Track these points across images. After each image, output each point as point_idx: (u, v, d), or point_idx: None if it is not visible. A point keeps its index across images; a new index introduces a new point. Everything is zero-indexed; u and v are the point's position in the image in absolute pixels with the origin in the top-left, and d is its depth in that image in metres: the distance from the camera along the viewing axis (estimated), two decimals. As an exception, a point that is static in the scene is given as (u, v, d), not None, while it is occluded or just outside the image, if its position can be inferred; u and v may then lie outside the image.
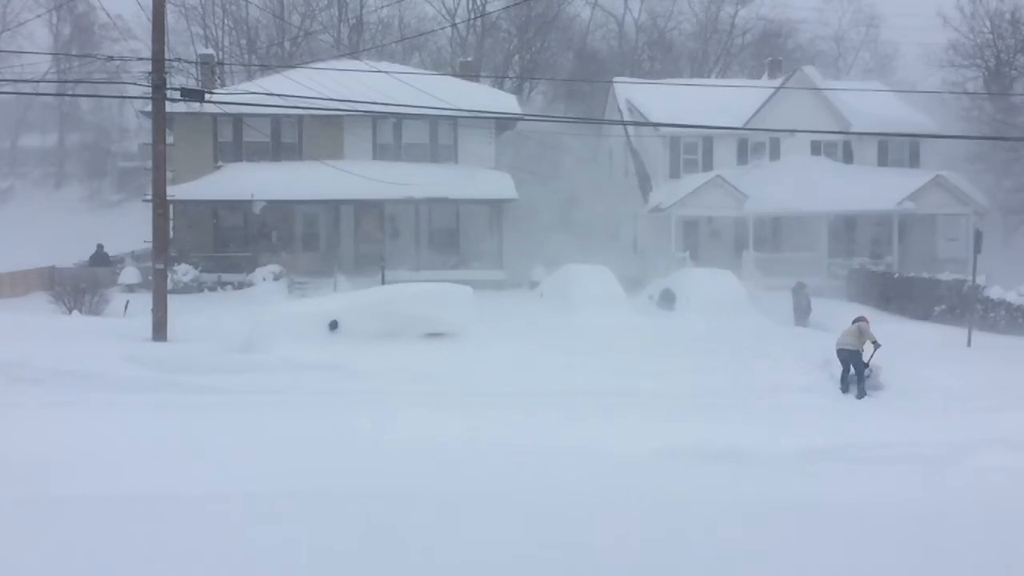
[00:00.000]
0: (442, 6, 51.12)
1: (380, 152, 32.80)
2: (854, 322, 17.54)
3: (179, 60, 24.53)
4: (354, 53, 42.17)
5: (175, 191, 27.11)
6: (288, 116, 30.74)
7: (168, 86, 18.84)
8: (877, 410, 15.04)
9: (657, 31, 56.30)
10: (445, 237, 33.07)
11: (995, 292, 25.62)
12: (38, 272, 29.83)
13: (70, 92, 44.39)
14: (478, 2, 50.65)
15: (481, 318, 19.36)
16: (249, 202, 30.07)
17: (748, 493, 8.81)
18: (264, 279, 28.43)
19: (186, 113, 29.41)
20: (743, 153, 36.43)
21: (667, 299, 25.92)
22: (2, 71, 42.60)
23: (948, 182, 33.48)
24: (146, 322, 18.65)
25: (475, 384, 15.61)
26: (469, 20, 48.81)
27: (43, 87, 40.31)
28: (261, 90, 25.26)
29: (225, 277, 29.51)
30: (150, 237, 19.86)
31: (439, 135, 33.00)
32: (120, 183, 51.17)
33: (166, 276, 19.11)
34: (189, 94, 19.51)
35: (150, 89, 18.63)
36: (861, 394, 16.45)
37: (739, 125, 32.94)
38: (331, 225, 31.93)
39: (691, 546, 6.78)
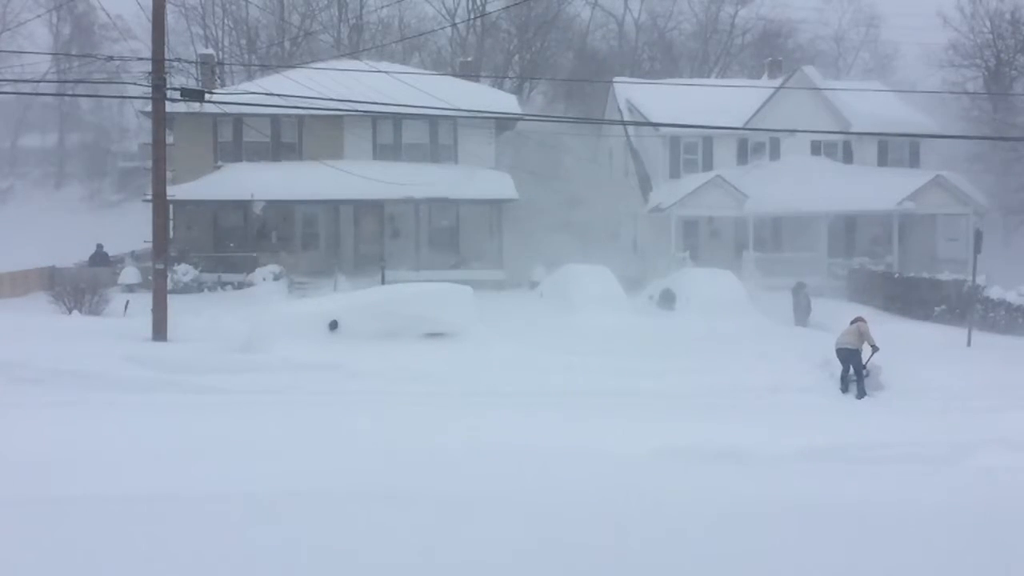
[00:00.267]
0: (442, 6, 51.18)
1: (380, 152, 32.81)
2: (852, 322, 17.54)
3: (179, 60, 24.56)
4: (354, 53, 42.16)
5: (175, 191, 27.11)
6: (288, 116, 30.74)
7: (168, 86, 18.86)
8: (877, 410, 15.04)
9: (657, 31, 56.31)
10: (445, 237, 33.08)
11: (995, 292, 25.64)
12: (38, 272, 29.83)
13: (70, 92, 44.40)
14: (478, 2, 50.67)
15: (481, 318, 19.36)
16: (249, 202, 30.08)
17: (748, 493, 8.80)
18: (264, 279, 28.43)
19: (186, 113, 29.42)
20: (743, 153, 36.44)
21: (667, 299, 25.92)
22: (2, 71, 42.60)
23: (948, 182, 33.48)
24: (146, 322, 18.66)
25: (475, 384, 15.61)
26: (469, 20, 48.82)
27: (43, 87, 40.31)
28: (261, 90, 25.27)
29: (225, 277, 29.50)
30: (150, 237, 19.87)
31: (439, 135, 33.00)
32: (120, 183, 51.20)
33: (166, 276, 19.12)
34: (189, 94, 19.52)
35: (150, 89, 18.65)
36: (861, 394, 16.45)
37: (739, 125, 32.94)
38: (331, 225, 31.93)
39: (691, 546, 6.78)
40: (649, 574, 6.17)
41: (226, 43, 50.01)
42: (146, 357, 16.37)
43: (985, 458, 11.07)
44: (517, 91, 46.13)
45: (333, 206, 31.30)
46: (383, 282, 26.83)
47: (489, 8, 48.81)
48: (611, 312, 23.66)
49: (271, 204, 30.32)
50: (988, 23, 44.75)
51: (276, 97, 20.99)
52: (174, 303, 19.12)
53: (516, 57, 51.11)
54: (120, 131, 55.24)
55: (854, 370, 16.72)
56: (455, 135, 33.02)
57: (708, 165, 35.98)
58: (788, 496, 8.77)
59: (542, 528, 7.04)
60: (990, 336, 23.29)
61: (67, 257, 32.35)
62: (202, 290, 28.63)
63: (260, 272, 28.84)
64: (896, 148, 36.72)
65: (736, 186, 33.62)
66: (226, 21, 50.19)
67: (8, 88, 35.19)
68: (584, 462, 10.11)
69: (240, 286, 28.79)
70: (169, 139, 23.80)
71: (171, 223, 28.15)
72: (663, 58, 55.15)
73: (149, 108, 21.21)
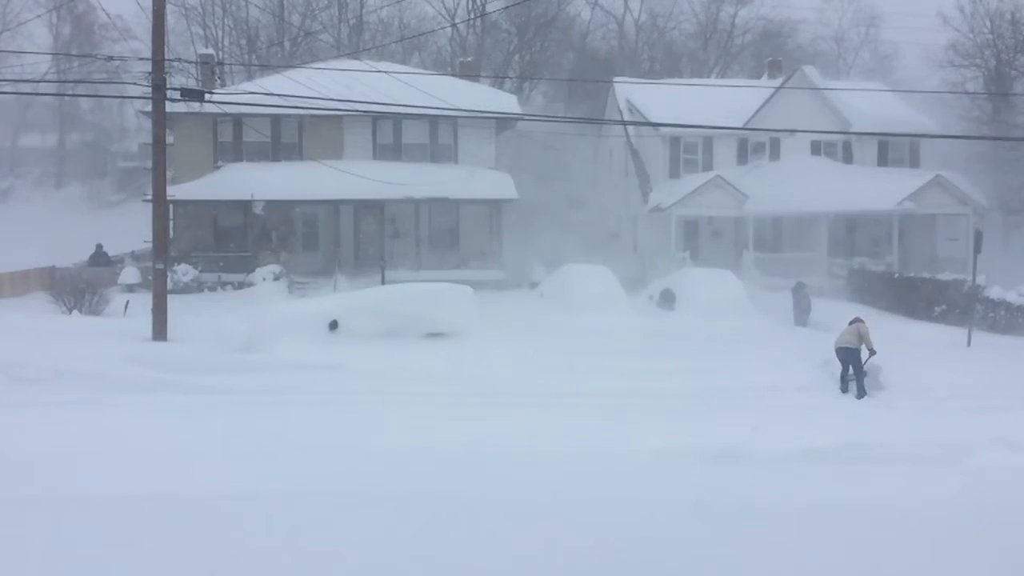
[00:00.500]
0: (442, 6, 51.18)
1: (380, 152, 32.81)
2: (851, 323, 17.54)
3: (179, 60, 24.53)
4: (354, 53, 42.18)
5: (175, 191, 27.12)
6: (288, 116, 30.74)
7: (168, 86, 18.84)
8: (877, 410, 15.04)
9: (657, 31, 56.33)
10: (445, 237, 33.07)
11: (995, 292, 25.64)
12: (38, 272, 29.83)
13: (70, 92, 44.42)
14: (478, 2, 50.67)
15: (481, 318, 19.37)
16: (249, 202, 30.07)
17: (748, 493, 8.81)
18: (264, 279, 28.42)
19: (186, 113, 29.42)
20: (743, 153, 36.45)
21: (667, 299, 25.91)
22: (2, 71, 42.63)
23: (948, 182, 33.47)
24: (146, 322, 18.65)
25: (475, 384, 15.61)
26: (469, 20, 48.82)
27: (43, 87, 40.31)
28: (261, 90, 25.27)
29: (225, 277, 29.50)
30: (150, 237, 19.86)
31: (439, 135, 33.00)
32: (120, 183, 51.22)
33: (166, 276, 19.11)
34: (189, 94, 19.51)
35: (150, 89, 18.64)
36: (861, 394, 16.44)
37: (739, 125, 32.95)
38: (331, 225, 31.93)
39: (691, 546, 6.78)
40: (650, 573, 6.17)
41: (226, 43, 50.02)
42: (146, 357, 16.37)
43: (985, 458, 11.09)
44: (517, 91, 46.13)
45: (333, 206, 31.30)
46: (383, 282, 26.83)
47: (489, 8, 48.83)
48: (611, 312, 23.65)
49: (271, 204, 30.32)
50: (988, 23, 44.75)
51: (276, 97, 20.98)
52: (174, 303, 19.12)
53: (516, 57, 51.11)
54: (120, 131, 55.28)
55: (853, 369, 16.72)
56: (455, 135, 33.03)
57: (708, 165, 35.99)
58: (788, 496, 8.78)
59: (542, 528, 7.04)
60: (990, 336, 23.31)
61: (67, 257, 32.36)
62: (202, 290, 28.62)
63: (260, 272, 28.83)
64: (896, 148, 36.72)
65: (736, 186, 33.62)
66: (226, 21, 50.22)
67: (8, 88, 35.21)
68: (584, 462, 10.11)
69: (240, 286, 28.78)
70: (169, 139, 23.78)
71: (171, 223, 28.16)
72: (663, 58, 55.17)
73: (149, 108, 21.20)
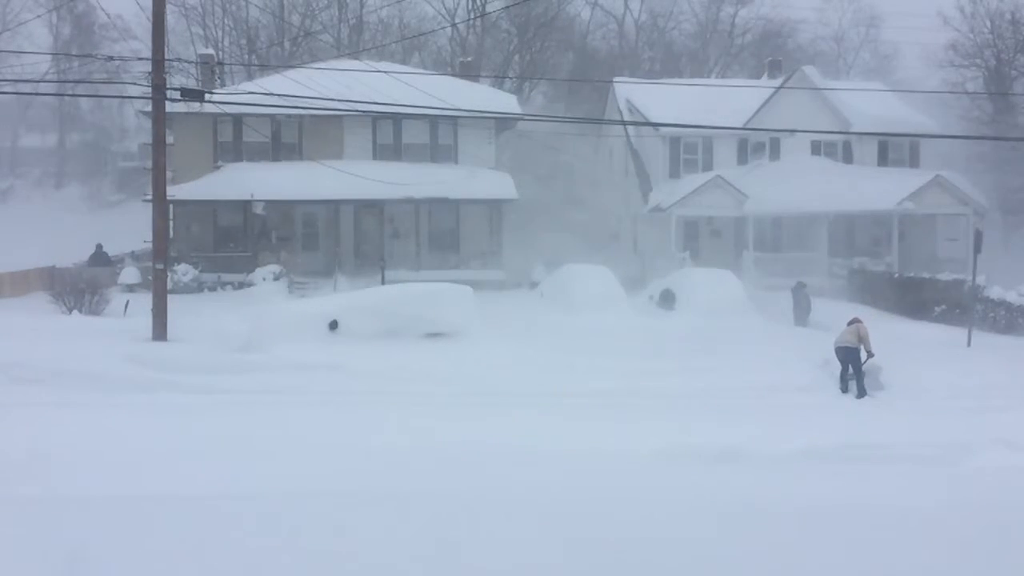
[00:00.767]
0: (442, 6, 51.17)
1: (380, 152, 32.80)
2: (850, 324, 17.55)
3: (179, 60, 24.58)
4: (354, 53, 42.17)
5: (175, 191, 27.12)
6: (288, 116, 30.73)
7: (168, 86, 18.85)
8: (877, 410, 15.05)
9: (657, 31, 56.33)
10: (445, 237, 33.06)
11: (995, 292, 25.64)
12: (38, 272, 29.82)
13: (70, 92, 44.42)
14: (478, 2, 50.67)
15: (481, 318, 19.36)
16: (249, 202, 30.07)
17: (748, 493, 8.81)
18: (264, 279, 28.42)
19: (186, 113, 29.41)
20: (743, 153, 36.44)
21: (667, 299, 25.91)
22: (2, 71, 42.64)
23: (948, 182, 33.47)
24: (146, 322, 18.65)
25: (475, 384, 15.61)
26: (469, 20, 48.81)
27: (43, 87, 40.34)
28: (261, 90, 25.25)
29: (225, 277, 29.50)
30: (150, 237, 19.86)
31: (439, 135, 32.99)
32: (120, 183, 51.23)
33: (166, 276, 19.11)
34: (189, 94, 19.52)
35: (150, 89, 18.64)
36: (861, 393, 16.44)
37: (739, 125, 32.94)
38: (331, 225, 31.92)
39: (692, 546, 6.78)
40: (650, 574, 6.17)
41: (226, 43, 50.02)
42: (146, 357, 16.37)
43: (985, 458, 11.09)
44: (517, 91, 46.11)
45: (333, 206, 31.29)
46: (383, 282, 26.82)
47: (489, 8, 48.84)
48: (611, 312, 23.64)
49: (271, 204, 30.32)
50: (988, 23, 44.76)
51: (276, 97, 20.98)
52: (174, 303, 19.11)
53: (516, 57, 51.11)
54: (120, 131, 55.28)
55: (853, 369, 16.72)
56: (455, 135, 33.02)
57: (708, 165, 35.98)
58: (788, 496, 8.78)
59: (542, 528, 7.04)
60: (990, 336, 23.31)
61: (67, 257, 32.35)
62: (202, 290, 28.62)
63: (260, 272, 28.83)
64: (896, 148, 36.71)
65: (736, 186, 33.61)
66: (226, 21, 50.22)
67: (8, 88, 35.21)
68: (584, 462, 10.11)
69: (240, 286, 28.78)
70: (169, 139, 23.75)
71: (171, 223, 28.14)
72: (663, 58, 55.18)
73: (149, 108, 21.20)
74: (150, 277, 21.12)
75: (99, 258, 32.25)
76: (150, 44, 18.75)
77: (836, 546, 6.89)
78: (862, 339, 16.90)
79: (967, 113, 41.30)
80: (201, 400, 13.70)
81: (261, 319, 18.51)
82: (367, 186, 29.59)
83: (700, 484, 9.28)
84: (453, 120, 30.85)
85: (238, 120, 31.69)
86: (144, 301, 20.89)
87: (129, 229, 35.12)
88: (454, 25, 49.68)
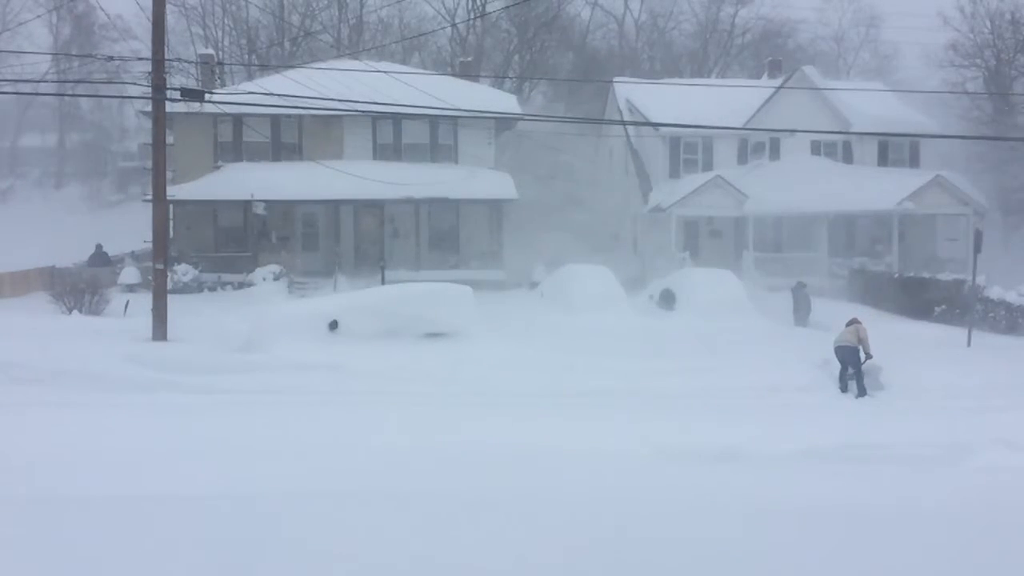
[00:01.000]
0: (442, 6, 51.16)
1: (380, 152, 32.81)
2: (848, 324, 17.55)
3: (179, 60, 24.57)
4: (354, 53, 42.16)
5: (175, 191, 27.13)
6: (288, 116, 30.75)
7: (168, 86, 18.85)
8: (877, 410, 15.04)
9: (657, 31, 56.33)
10: (445, 237, 33.07)
11: (995, 292, 25.65)
12: (38, 272, 29.83)
13: (70, 92, 44.42)
14: (478, 2, 50.66)
15: (481, 318, 19.36)
16: (249, 202, 30.08)
17: (748, 493, 8.80)
18: (264, 279, 28.43)
19: (186, 113, 29.43)
20: (743, 153, 36.45)
21: (667, 299, 25.91)
22: (2, 71, 42.64)
23: (948, 182, 33.47)
24: (146, 322, 18.66)
25: (475, 384, 15.62)
26: (469, 20, 48.81)
27: (43, 87, 40.33)
28: (261, 90, 25.26)
29: (225, 277, 29.51)
30: (150, 237, 19.87)
31: (439, 135, 33.00)
32: (120, 183, 51.24)
33: (166, 276, 19.12)
34: (189, 94, 19.53)
35: (150, 89, 18.65)
36: (861, 393, 16.45)
37: (739, 125, 32.95)
38: (331, 225, 31.93)
39: (691, 546, 6.77)
40: (650, 574, 6.17)
41: (226, 43, 50.02)
42: (146, 357, 16.37)
43: (985, 458, 11.08)
44: (517, 91, 46.11)
45: (333, 206, 31.30)
46: (383, 282, 26.83)
47: (489, 8, 48.84)
48: (611, 312, 23.66)
49: (271, 204, 30.33)
50: (988, 23, 44.75)
51: (276, 97, 20.99)
52: (174, 303, 19.12)
53: (516, 57, 51.10)
54: (120, 131, 55.29)
55: (853, 369, 16.73)
56: (455, 135, 33.02)
57: (708, 165, 35.98)
58: (788, 496, 8.77)
59: (542, 528, 7.04)
60: (990, 336, 23.31)
61: (67, 257, 32.35)
62: (202, 290, 28.63)
63: (260, 272, 28.84)
64: (896, 148, 36.72)
65: (736, 186, 33.61)
66: (226, 21, 50.22)
67: (8, 88, 35.20)
68: (584, 462, 10.11)
69: (240, 286, 28.79)
70: (169, 139, 23.77)
71: (171, 223, 28.15)
72: (663, 58, 55.17)
73: (149, 108, 21.22)
74: (150, 277, 21.13)
75: (99, 258, 32.26)
76: (150, 44, 18.76)
77: (836, 546, 6.89)
78: (861, 341, 16.90)
79: (967, 113, 41.29)
80: (201, 400, 13.70)
81: (261, 319, 18.51)
82: (367, 186, 29.60)
83: (700, 484, 9.27)
84: (453, 120, 30.86)
85: (238, 120, 31.70)
86: (144, 301, 20.90)
87: (129, 229, 35.14)
88: (454, 25, 49.68)
